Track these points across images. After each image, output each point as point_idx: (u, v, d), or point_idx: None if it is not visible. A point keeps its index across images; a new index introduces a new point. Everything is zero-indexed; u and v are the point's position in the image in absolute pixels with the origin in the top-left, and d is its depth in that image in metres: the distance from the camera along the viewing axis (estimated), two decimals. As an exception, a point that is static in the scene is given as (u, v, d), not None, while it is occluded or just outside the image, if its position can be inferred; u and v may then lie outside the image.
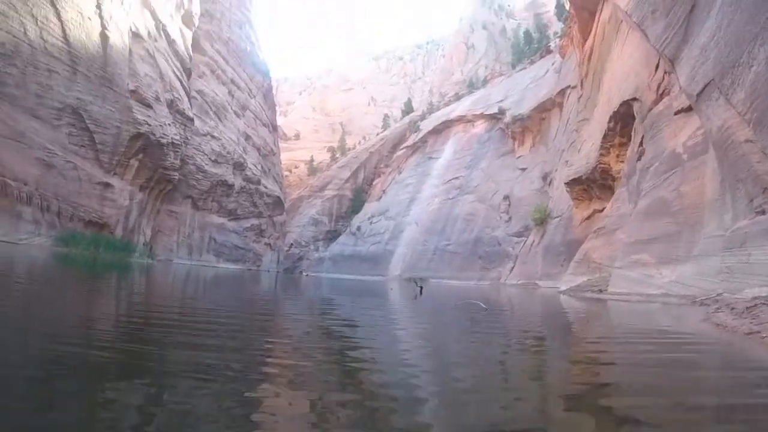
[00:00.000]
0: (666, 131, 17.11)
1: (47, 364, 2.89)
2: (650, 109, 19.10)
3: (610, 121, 25.29)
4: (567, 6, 61.90)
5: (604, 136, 26.50)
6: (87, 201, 26.53)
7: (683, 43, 10.89)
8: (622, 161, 25.66)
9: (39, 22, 22.17)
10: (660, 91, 18.20)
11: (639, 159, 20.04)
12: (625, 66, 23.76)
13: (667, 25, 11.61)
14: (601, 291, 19.05)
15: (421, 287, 23.50)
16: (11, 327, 4.07)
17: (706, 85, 9.70)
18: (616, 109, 23.98)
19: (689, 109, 14.91)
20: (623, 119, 23.98)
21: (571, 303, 16.37)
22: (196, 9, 45.40)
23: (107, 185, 28.19)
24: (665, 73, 17.42)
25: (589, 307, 13.79)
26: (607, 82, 27.76)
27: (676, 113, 16.22)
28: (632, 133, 22.66)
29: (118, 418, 1.96)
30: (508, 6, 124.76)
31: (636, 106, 21.41)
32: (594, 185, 30.68)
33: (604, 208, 29.36)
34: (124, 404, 2.19)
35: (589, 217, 32.48)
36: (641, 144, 19.90)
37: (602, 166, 28.27)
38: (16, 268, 12.66)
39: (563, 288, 24.80)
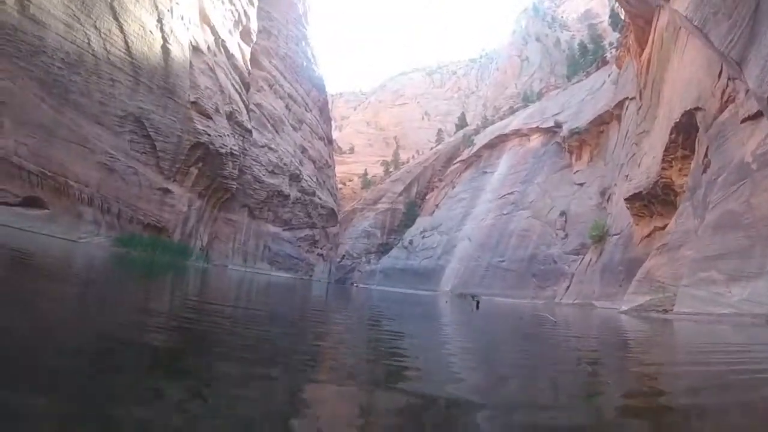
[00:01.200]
0: (732, 140, 16.09)
1: (101, 355, 2.98)
2: (715, 118, 18.04)
3: (671, 133, 24.06)
4: (622, 15, 60.14)
5: (666, 149, 25.23)
6: (146, 205, 27.85)
7: (750, 43, 10.25)
8: (685, 175, 24.34)
9: (102, 34, 23.65)
10: (724, 99, 17.18)
11: (704, 171, 18.93)
12: (685, 74, 22.64)
13: (731, 26, 10.98)
14: (666, 311, 17.99)
15: (477, 302, 23.35)
16: (71, 323, 4.14)
17: (778, 86, 9.08)
18: (677, 120, 22.79)
19: (757, 115, 13.99)
20: (686, 130, 22.77)
21: (634, 324, 15.54)
22: (254, 26, 47.37)
23: (167, 191, 29.57)
24: (729, 79, 16.44)
25: (655, 328, 13.04)
26: (668, 92, 26.52)
27: (742, 121, 15.24)
28: (696, 145, 21.49)
29: (163, 412, 2.03)
30: (562, 17, 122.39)
31: (699, 115, 20.28)
32: (655, 201, 29.22)
33: (665, 225, 27.92)
34: (170, 398, 2.26)
35: (649, 235, 30.95)
36: (706, 155, 18.81)
37: (664, 180, 26.89)
38: (77, 264, 13.39)
39: (624, 308, 23.62)
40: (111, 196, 24.65)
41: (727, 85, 16.79)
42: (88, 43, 22.86)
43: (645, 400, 3.16)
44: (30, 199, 20.22)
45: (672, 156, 25.17)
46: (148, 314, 5.44)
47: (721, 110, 17.50)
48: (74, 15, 21.89)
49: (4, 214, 18.51)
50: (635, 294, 23.60)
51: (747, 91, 14.59)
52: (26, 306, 4.68)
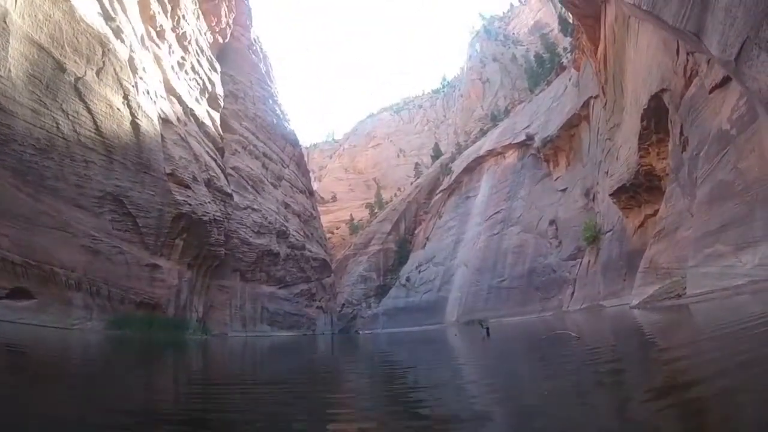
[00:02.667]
0: (705, 112, 16.16)
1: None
2: (682, 95, 18.25)
3: (642, 120, 24.37)
4: (570, 20, 62.31)
5: (640, 137, 25.50)
6: (136, 283, 27.10)
7: (703, 12, 10.36)
8: (664, 158, 24.53)
9: (70, 117, 23.45)
10: (688, 75, 17.45)
11: (684, 150, 18.99)
12: (644, 60, 23.11)
13: (681, 1, 11.18)
14: (679, 296, 17.50)
15: (487, 328, 22.89)
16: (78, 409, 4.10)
17: (742, 45, 9.06)
18: (646, 106, 23.12)
19: (724, 82, 14.12)
20: (656, 114, 23.06)
21: (651, 317, 15.13)
22: (219, 91, 47.91)
23: (155, 266, 28.87)
24: (688, 54, 16.73)
25: (672, 317, 12.65)
26: (630, 82, 27.03)
27: (711, 91, 15.37)
28: (669, 126, 21.71)
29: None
30: (513, 34, 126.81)
31: (666, 96, 20.57)
32: (640, 190, 29.35)
33: (656, 212, 27.92)
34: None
35: (642, 224, 30.93)
36: (682, 133, 18.92)
37: (645, 168, 27.08)
38: (72, 354, 12.83)
39: (634, 302, 23.18)
40: (99, 279, 23.89)
41: (688, 61, 17.08)
42: (57, 127, 22.57)
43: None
44: (16, 291, 19.44)
45: (647, 142, 25.41)
46: (151, 407, 5.14)
47: (687, 86, 17.73)
48: (40, 100, 21.69)
49: None
50: (643, 286, 23.25)
51: (709, 61, 14.82)
52: (25, 408, 4.32)
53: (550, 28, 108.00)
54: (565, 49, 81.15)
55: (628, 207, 31.97)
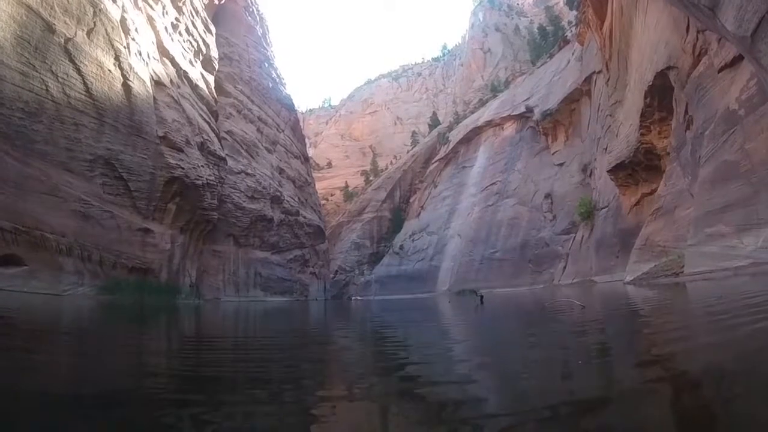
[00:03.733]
0: (713, 91, 15.83)
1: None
2: (689, 74, 17.88)
3: (646, 98, 23.97)
4: (577, -9, 60.71)
5: (642, 115, 25.14)
6: (128, 248, 26.90)
7: (721, -15, 9.96)
8: (665, 137, 24.27)
9: (60, 79, 22.75)
10: (696, 53, 17.04)
11: (687, 128, 18.72)
12: (652, 37, 22.57)
13: (698, -27, 10.72)
14: (676, 274, 17.59)
15: (482, 296, 23.10)
16: (70, 379, 4.07)
17: (760, 21, 8.73)
18: (651, 83, 22.69)
19: (735, 62, 13.79)
20: (660, 92, 22.67)
21: (646, 294, 15.14)
22: (214, 54, 46.70)
23: (147, 231, 28.65)
24: (698, 32, 16.31)
25: (675, 294, 12.61)
26: (636, 58, 26.47)
27: (720, 70, 15.04)
28: (673, 104, 21.35)
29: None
30: (518, 5, 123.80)
31: (672, 74, 20.17)
32: (639, 168, 29.15)
33: (652, 191, 27.83)
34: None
35: (638, 203, 30.87)
36: (686, 112, 18.61)
37: (645, 146, 26.82)
38: (65, 319, 12.74)
39: (629, 278, 23.35)
40: (90, 244, 23.68)
41: (698, 39, 16.65)
42: (47, 90, 21.96)
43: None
44: (6, 257, 19.30)
45: (649, 120, 25.08)
46: (145, 363, 5.30)
47: (695, 65, 17.34)
48: (28, 62, 21.02)
49: None
50: (638, 262, 23.33)
51: (719, 40, 14.42)
52: (25, 368, 4.31)
53: (556, 1, 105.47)
54: (569, 22, 79.41)
55: (625, 185, 31.83)
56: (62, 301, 19.39)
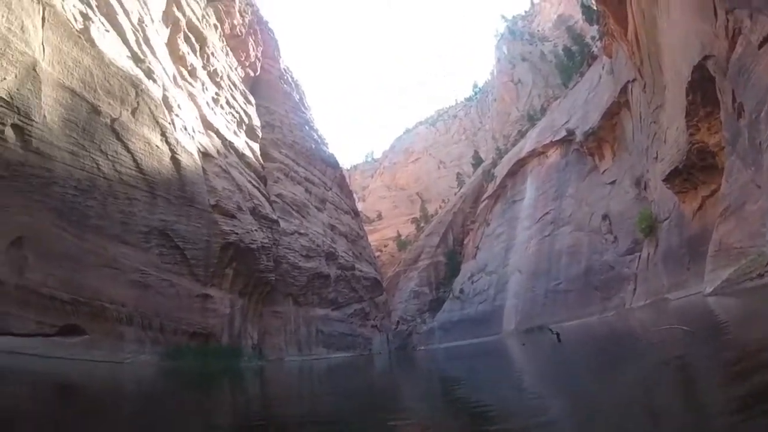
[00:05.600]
0: (758, 70, 14.72)
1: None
2: (728, 59, 16.99)
3: (687, 95, 22.94)
4: (594, 6, 60.44)
5: (687, 113, 24.01)
6: (188, 314, 27.63)
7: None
8: (716, 132, 22.98)
9: (109, 156, 24.33)
10: (730, 35, 16.23)
11: (739, 117, 17.61)
12: (680, 31, 21.84)
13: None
14: (761, 275, 15.88)
15: (558, 333, 22.16)
16: None
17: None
18: (689, 79, 21.73)
19: (774, 32, 13.04)
20: (701, 86, 21.62)
21: (734, 303, 13.82)
22: (256, 122, 49.36)
23: (206, 296, 29.49)
24: (727, 13, 15.63)
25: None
26: (668, 57, 25.61)
27: (759, 46, 14.16)
28: (718, 95, 20.24)
29: None
30: (538, 31, 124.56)
31: (710, 64, 19.27)
32: (694, 170, 27.57)
33: (713, 192, 26.19)
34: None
35: (700, 207, 29.07)
36: (734, 99, 17.55)
37: (696, 146, 25.45)
38: (124, 386, 13.02)
39: (708, 289, 21.40)
40: (150, 312, 24.49)
41: (728, 21, 15.94)
42: (98, 168, 23.47)
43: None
44: (67, 327, 20.06)
45: (696, 118, 23.90)
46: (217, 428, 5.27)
47: (732, 47, 16.48)
48: (78, 143, 22.63)
49: (44, 346, 18.33)
50: (715, 270, 21.49)
51: (751, 15, 13.78)
52: None
53: (575, 19, 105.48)
54: (593, 37, 78.78)
55: (683, 191, 30.17)
56: (124, 369, 19.94)
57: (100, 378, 15.09)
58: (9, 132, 19.30)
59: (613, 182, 54.22)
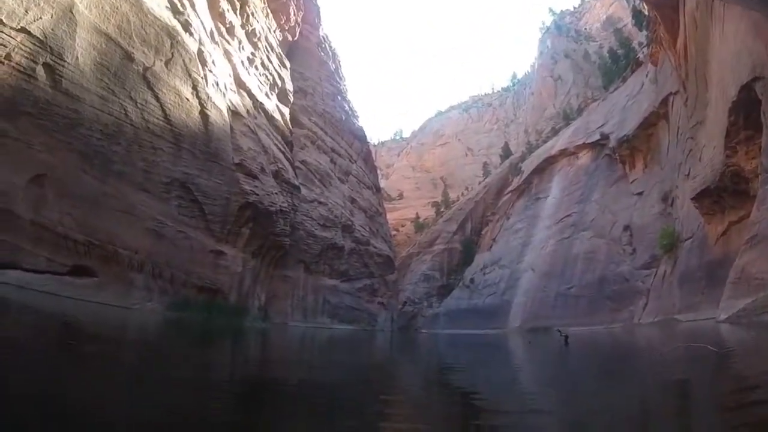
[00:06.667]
0: (806, 98, 14.32)
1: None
2: (778, 83, 16.44)
3: (730, 115, 22.18)
4: (646, 12, 58.28)
5: (727, 134, 23.22)
6: (200, 268, 28.22)
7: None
8: (754, 158, 22.23)
9: (138, 104, 24.67)
10: (784, 59, 15.71)
11: (782, 142, 17.06)
12: (732, 48, 21.01)
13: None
14: None
15: (566, 336, 22.16)
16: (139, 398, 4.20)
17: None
18: (735, 98, 20.95)
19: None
20: (746, 108, 20.86)
21: (748, 334, 13.57)
22: (289, 87, 49.46)
23: (220, 253, 30.09)
24: (785, 35, 15.06)
25: None
26: (715, 73, 24.70)
27: (811, 75, 13.67)
28: (762, 119, 19.55)
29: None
30: (585, 29, 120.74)
31: (759, 86, 18.54)
32: (725, 194, 26.77)
33: (741, 218, 25.47)
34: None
35: (725, 232, 28.31)
36: (778, 124, 17.00)
37: (731, 168, 24.65)
38: (133, 332, 13.41)
39: (723, 316, 21.00)
40: (162, 262, 25.10)
41: (782, 44, 15.39)
42: (126, 114, 23.87)
43: None
44: (78, 268, 20.68)
45: (735, 140, 23.12)
46: (213, 383, 5.44)
47: (784, 71, 15.96)
48: (108, 87, 23.00)
49: (54, 284, 19.00)
50: (733, 298, 21.05)
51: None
52: (98, 379, 4.53)
53: (624, 22, 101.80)
54: (640, 44, 76.10)
55: (710, 213, 29.40)
56: (131, 315, 20.54)
57: (104, 320, 15.58)
58: (40, 71, 19.66)
59: (640, 193, 53.08)
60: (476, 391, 6.97)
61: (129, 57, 24.18)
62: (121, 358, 7.18)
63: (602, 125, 67.19)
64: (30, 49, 19.24)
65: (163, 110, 26.00)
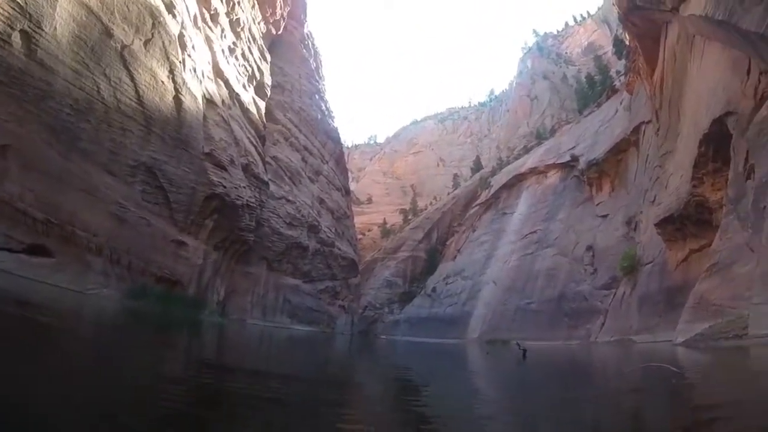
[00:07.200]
0: (779, 135, 14.71)
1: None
2: (751, 119, 16.87)
3: (700, 146, 22.82)
4: (626, 42, 60.17)
5: (695, 165, 23.89)
6: (160, 257, 27.16)
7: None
8: (719, 189, 22.92)
9: (112, 82, 23.65)
10: (759, 96, 16.09)
11: (748, 178, 17.53)
12: (708, 82, 21.63)
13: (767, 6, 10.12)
14: (739, 336, 15.83)
15: (524, 350, 22.16)
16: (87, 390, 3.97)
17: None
18: (707, 131, 21.59)
19: (802, 105, 12.89)
20: (716, 141, 21.52)
21: (707, 357, 13.72)
22: (268, 81, 48.54)
23: (181, 243, 29.01)
24: (761, 74, 15.43)
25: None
26: (690, 106, 25.44)
27: (786, 113, 14.04)
28: (731, 153, 20.16)
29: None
30: (566, 53, 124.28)
31: (731, 120, 19.12)
32: (688, 222, 27.58)
33: (702, 247, 26.22)
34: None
35: (686, 259, 29.12)
36: (747, 160, 17.47)
37: (696, 198, 25.39)
38: (86, 318, 12.72)
39: (680, 339, 21.44)
40: (121, 247, 23.99)
41: (760, 81, 15.76)
42: (98, 91, 22.81)
43: None
44: (35, 247, 19.57)
45: (703, 171, 23.82)
46: (163, 381, 5.21)
47: (757, 108, 16.31)
48: (83, 62, 21.95)
49: (8, 261, 17.90)
50: (690, 323, 21.56)
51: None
52: (42, 370, 4.25)
53: (604, 50, 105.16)
54: (618, 72, 78.57)
55: (672, 239, 30.20)
56: (86, 300, 19.52)
57: (59, 303, 14.70)
58: (16, 37, 18.65)
59: (605, 216, 54.37)
60: (428, 396, 7.07)
61: (108, 33, 23.20)
62: (72, 342, 6.63)
63: (573, 147, 68.72)
64: (9, 13, 18.29)
65: (137, 91, 24.95)
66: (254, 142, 42.64)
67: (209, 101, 32.79)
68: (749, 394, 6.46)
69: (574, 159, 65.84)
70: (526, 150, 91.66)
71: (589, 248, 53.84)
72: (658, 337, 27.65)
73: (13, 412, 2.59)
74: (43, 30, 19.73)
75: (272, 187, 47.28)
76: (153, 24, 25.97)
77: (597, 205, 57.71)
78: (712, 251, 22.55)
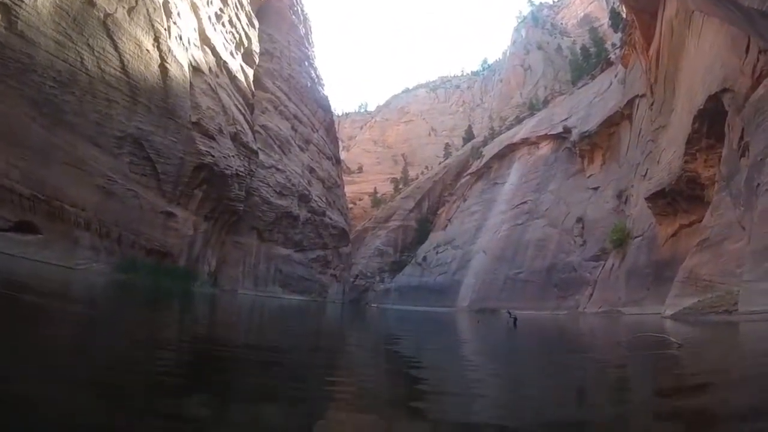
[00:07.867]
0: (775, 116, 14.60)
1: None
2: (747, 97, 16.73)
3: (694, 122, 22.73)
4: (623, 15, 59.27)
5: (688, 141, 23.87)
6: (149, 229, 26.84)
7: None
8: (711, 166, 22.96)
9: (96, 53, 22.87)
10: (756, 74, 15.93)
11: (742, 155, 17.49)
12: (705, 59, 21.39)
13: (768, -18, 9.85)
14: (729, 312, 16.04)
15: (515, 319, 22.37)
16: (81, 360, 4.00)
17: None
18: (701, 107, 21.45)
19: (801, 84, 12.73)
20: (711, 117, 21.44)
21: (696, 330, 13.88)
22: (256, 48, 47.23)
23: (170, 214, 28.64)
24: (760, 52, 15.23)
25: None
26: (685, 81, 25.21)
27: (784, 93, 13.88)
28: (726, 130, 20.10)
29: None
30: (561, 24, 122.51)
31: (727, 97, 18.98)
32: (679, 197, 27.73)
33: (692, 222, 26.47)
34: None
35: (675, 234, 29.43)
36: (742, 138, 17.40)
37: (688, 174, 25.46)
38: (74, 293, 12.56)
39: (669, 312, 21.75)
40: (110, 221, 23.63)
41: (758, 60, 15.58)
42: (81, 62, 22.08)
43: None
44: (22, 224, 19.27)
45: (696, 147, 23.81)
46: (156, 351, 5.19)
47: (754, 87, 16.19)
48: (65, 33, 21.17)
49: None
50: (679, 296, 21.84)
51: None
52: (32, 346, 4.17)
53: (600, 22, 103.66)
54: (613, 44, 77.57)
55: (662, 214, 30.42)
56: (75, 275, 19.31)
57: (48, 279, 14.48)
58: (-5, 10, 17.78)
59: (596, 188, 54.60)
60: (418, 362, 7.07)
61: (90, 2, 22.35)
62: (63, 317, 6.52)
63: (566, 119, 68.40)
64: (-15, -14, 17.47)
65: (121, 60, 24.15)
66: (243, 111, 41.79)
67: (196, 69, 31.88)
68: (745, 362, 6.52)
69: (567, 131, 65.60)
70: (519, 120, 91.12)
71: (579, 220, 54.24)
72: (646, 310, 28.14)
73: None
74: (23, 1, 18.99)
75: (262, 156, 46.63)
76: (137, -9, 25.00)
77: (588, 177, 57.86)
78: (702, 227, 22.72)
